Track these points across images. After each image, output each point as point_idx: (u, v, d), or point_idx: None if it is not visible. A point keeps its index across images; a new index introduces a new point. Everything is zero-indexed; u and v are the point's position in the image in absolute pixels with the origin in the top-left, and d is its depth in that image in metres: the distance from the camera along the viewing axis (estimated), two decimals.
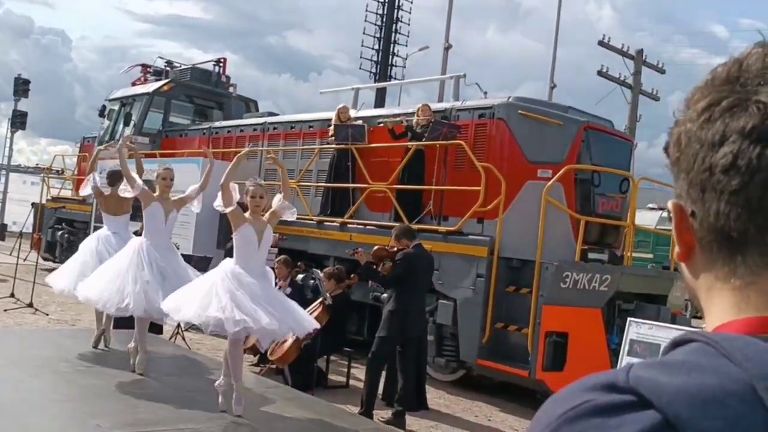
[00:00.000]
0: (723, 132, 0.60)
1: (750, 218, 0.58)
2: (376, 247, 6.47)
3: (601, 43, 20.28)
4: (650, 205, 23.36)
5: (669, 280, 8.12)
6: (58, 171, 18.10)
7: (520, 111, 7.77)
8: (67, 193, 16.43)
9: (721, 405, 0.49)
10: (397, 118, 8.86)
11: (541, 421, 0.56)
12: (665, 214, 21.13)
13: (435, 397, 7.04)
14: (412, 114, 8.73)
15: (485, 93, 10.25)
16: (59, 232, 15.02)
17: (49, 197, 16.23)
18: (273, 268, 7.97)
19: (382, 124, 9.07)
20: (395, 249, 6.35)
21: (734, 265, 0.61)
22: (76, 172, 16.42)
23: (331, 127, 9.41)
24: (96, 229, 12.11)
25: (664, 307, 7.68)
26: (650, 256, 17.97)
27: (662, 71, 21.74)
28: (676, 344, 0.58)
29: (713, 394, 0.50)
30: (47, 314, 9.34)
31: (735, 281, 0.61)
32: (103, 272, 5.93)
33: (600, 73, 20.50)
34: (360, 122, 9.35)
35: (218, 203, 5.39)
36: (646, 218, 19.07)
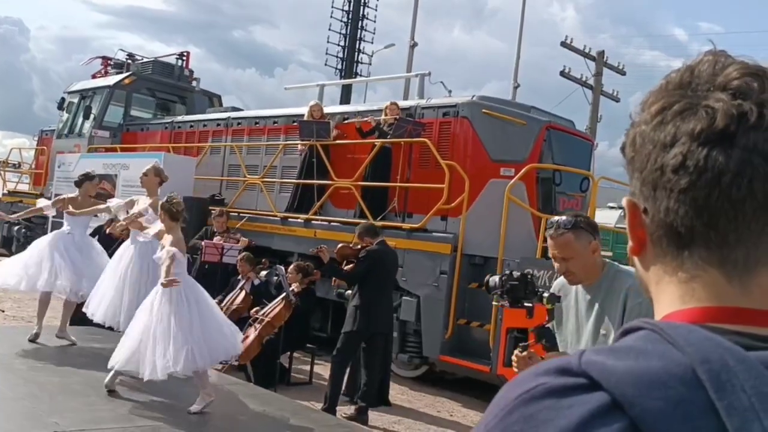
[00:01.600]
0: (674, 134, 0.63)
1: (696, 215, 0.62)
2: (340, 245, 6.47)
3: (563, 44, 20.58)
4: (610, 204, 23.79)
5: None
6: (14, 164, 17.67)
7: (483, 110, 7.84)
8: (24, 187, 16.04)
9: (664, 386, 0.53)
10: (366, 117, 8.86)
11: (498, 404, 0.59)
12: (623, 212, 21.56)
13: (398, 393, 7.08)
14: (380, 112, 8.75)
15: (450, 91, 10.36)
16: (16, 227, 14.67)
17: (5, 191, 15.82)
18: (236, 266, 7.94)
19: (350, 122, 9.05)
20: (359, 247, 6.37)
21: (681, 259, 0.64)
22: (33, 166, 16.04)
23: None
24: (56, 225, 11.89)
25: None
26: (610, 254, 18.29)
27: (623, 73, 22.15)
28: (625, 332, 0.61)
29: (657, 376, 0.53)
30: (2, 311, 9.11)
31: (681, 274, 0.64)
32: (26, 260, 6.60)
33: (562, 73, 20.80)
34: (326, 119, 9.32)
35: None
36: (606, 217, 19.42)
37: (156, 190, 6.28)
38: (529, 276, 2.67)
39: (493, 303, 2.82)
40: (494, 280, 2.70)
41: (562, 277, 2.72)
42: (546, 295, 2.63)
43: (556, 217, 2.66)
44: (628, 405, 0.53)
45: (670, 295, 0.65)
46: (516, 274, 2.66)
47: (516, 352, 2.54)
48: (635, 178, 0.67)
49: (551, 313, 2.60)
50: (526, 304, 2.62)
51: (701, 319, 0.61)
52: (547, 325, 2.59)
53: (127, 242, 6.14)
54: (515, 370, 2.54)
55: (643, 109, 0.67)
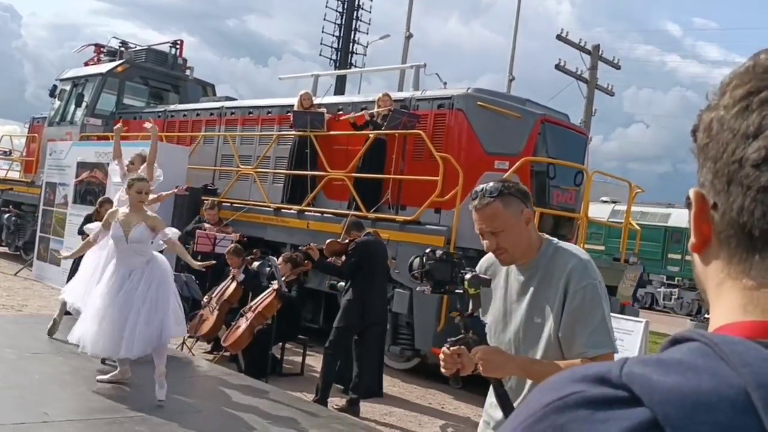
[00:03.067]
0: (759, 124, 0.56)
1: None
2: (328, 241, 6.45)
3: (559, 38, 20.54)
4: (603, 198, 23.90)
5: (619, 272, 8.31)
6: (5, 152, 17.53)
7: (479, 102, 7.81)
8: (15, 174, 15.91)
9: (712, 409, 0.48)
10: (359, 112, 8.81)
11: (527, 410, 0.54)
12: (617, 207, 21.64)
13: (390, 385, 7.08)
14: (373, 103, 8.71)
15: (445, 83, 10.29)
16: (6, 215, 14.57)
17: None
18: (225, 257, 7.90)
19: (344, 118, 9.00)
20: (347, 241, 6.36)
21: (749, 264, 0.58)
22: (24, 154, 15.91)
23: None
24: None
25: (613, 298, 7.85)
26: (602, 248, 18.39)
27: (618, 67, 22.14)
28: (674, 341, 0.56)
29: (706, 397, 0.48)
30: None
31: (747, 281, 0.58)
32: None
33: (558, 67, 20.77)
34: (321, 110, 9.27)
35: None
36: (599, 211, 19.51)
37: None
38: (454, 257, 2.22)
39: (417, 288, 2.33)
40: (416, 261, 2.23)
41: (490, 254, 2.28)
42: (468, 277, 2.12)
43: (480, 186, 2.20)
44: (670, 426, 0.47)
45: (730, 303, 0.59)
46: (439, 253, 2.19)
47: (443, 349, 2.12)
48: (706, 168, 0.60)
49: (476, 298, 2.13)
50: (452, 291, 2.15)
51: (763, 335, 0.55)
52: (475, 314, 2.15)
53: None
54: (442, 370, 2.15)
55: (724, 91, 0.60)
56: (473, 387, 7.21)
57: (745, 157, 0.56)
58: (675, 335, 0.56)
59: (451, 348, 2.10)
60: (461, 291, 2.14)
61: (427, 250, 2.22)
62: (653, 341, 8.38)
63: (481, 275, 2.20)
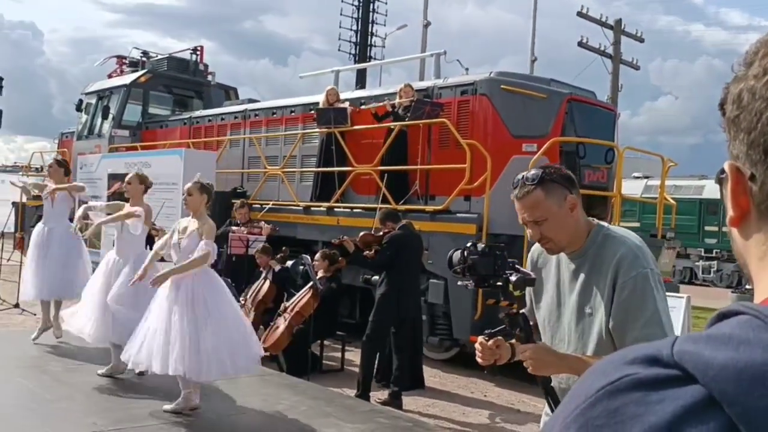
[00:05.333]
0: None
1: None
2: (362, 233, 6.43)
3: (579, 14, 20.21)
4: (635, 174, 23.50)
5: (657, 248, 8.15)
6: (37, 168, 17.84)
7: (502, 86, 7.72)
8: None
9: None
10: (381, 102, 8.78)
11: (578, 396, 0.53)
12: (650, 182, 21.27)
13: (430, 376, 7.06)
14: (395, 94, 8.66)
15: (467, 69, 10.21)
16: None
17: (31, 195, 15.99)
18: (254, 257, 7.95)
19: (365, 108, 8.97)
20: (381, 233, 6.33)
21: None
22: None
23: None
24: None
25: None
26: (637, 224, 18.07)
27: (641, 40, 21.72)
28: (722, 316, 0.55)
29: (761, 371, 0.47)
30: (35, 314, 9.22)
31: None
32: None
33: (580, 44, 20.45)
34: (343, 105, 9.26)
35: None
36: (632, 187, 19.18)
37: (141, 197, 5.98)
38: (498, 250, 2.12)
39: (458, 283, 2.25)
40: (456, 255, 2.16)
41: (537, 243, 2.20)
42: (513, 278, 2.06)
43: (522, 173, 2.11)
44: (728, 403, 0.47)
45: None
46: (481, 246, 2.10)
47: (480, 339, 2.09)
48: (739, 140, 0.59)
49: (522, 299, 2.13)
50: (496, 284, 2.09)
51: None
52: (521, 311, 2.12)
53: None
54: (479, 360, 2.11)
55: (752, 61, 0.59)
56: (514, 373, 7.16)
57: None
58: (722, 309, 0.55)
59: (490, 339, 2.05)
60: (502, 284, 2.07)
61: (468, 244, 2.14)
62: (696, 316, 8.21)
63: (526, 276, 2.11)
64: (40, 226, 7.15)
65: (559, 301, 2.16)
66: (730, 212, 0.62)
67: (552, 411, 2.08)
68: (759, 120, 0.57)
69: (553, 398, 2.08)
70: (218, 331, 4.74)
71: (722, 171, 0.62)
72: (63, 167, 7.23)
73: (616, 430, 0.49)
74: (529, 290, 2.24)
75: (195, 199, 4.97)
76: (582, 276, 2.08)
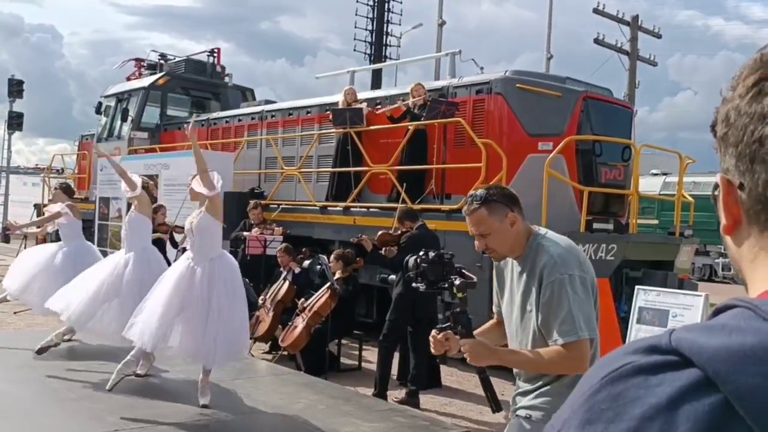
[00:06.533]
0: None
1: None
2: (380, 232, 6.47)
3: (596, 11, 20.08)
4: (653, 171, 23.31)
5: (675, 246, 8.11)
6: (58, 170, 18.08)
7: (518, 85, 7.72)
8: None
9: (760, 361, 0.51)
10: (395, 104, 8.81)
11: (584, 384, 0.58)
12: (668, 179, 21.09)
13: (447, 375, 7.08)
14: (409, 94, 8.69)
15: (482, 68, 10.21)
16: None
17: (51, 197, 16.22)
18: (278, 257, 8.02)
19: (381, 112, 9.01)
20: (399, 232, 6.36)
21: None
22: (76, 171, 16.40)
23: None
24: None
25: (671, 273, 7.67)
26: (655, 222, 17.94)
27: (659, 36, 21.55)
28: (718, 311, 0.59)
29: (752, 351, 0.52)
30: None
31: None
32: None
33: (596, 41, 20.33)
34: (359, 105, 9.31)
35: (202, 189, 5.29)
36: (650, 184, 19.04)
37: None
38: (446, 257, 2.48)
39: (412, 285, 2.59)
40: (411, 261, 2.53)
41: None
42: (457, 282, 2.43)
43: (471, 192, 2.45)
44: (721, 381, 0.51)
45: (766, 273, 0.63)
46: (431, 254, 2.46)
47: (433, 332, 2.40)
48: (729, 155, 0.65)
49: (464, 300, 2.41)
50: (443, 288, 2.45)
51: None
52: (464, 311, 2.41)
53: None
54: (432, 350, 2.42)
55: (736, 84, 0.66)
56: None
57: (765, 135, 0.61)
58: (718, 305, 0.60)
59: (439, 334, 2.36)
60: (450, 288, 2.44)
61: (421, 253, 2.49)
62: None
63: (468, 281, 2.47)
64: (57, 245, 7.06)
65: (512, 299, 2.46)
66: (723, 221, 0.67)
67: (486, 394, 2.43)
68: (744, 133, 0.63)
69: (486, 385, 2.44)
70: (227, 319, 4.93)
71: (716, 186, 0.67)
72: (67, 194, 7.19)
73: (619, 412, 0.53)
74: (496, 288, 2.58)
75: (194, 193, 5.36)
76: (524, 277, 2.39)
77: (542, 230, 2.45)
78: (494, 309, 2.64)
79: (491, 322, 2.68)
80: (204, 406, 4.91)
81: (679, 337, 0.55)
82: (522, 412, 2.38)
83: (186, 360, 5.39)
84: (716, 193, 0.68)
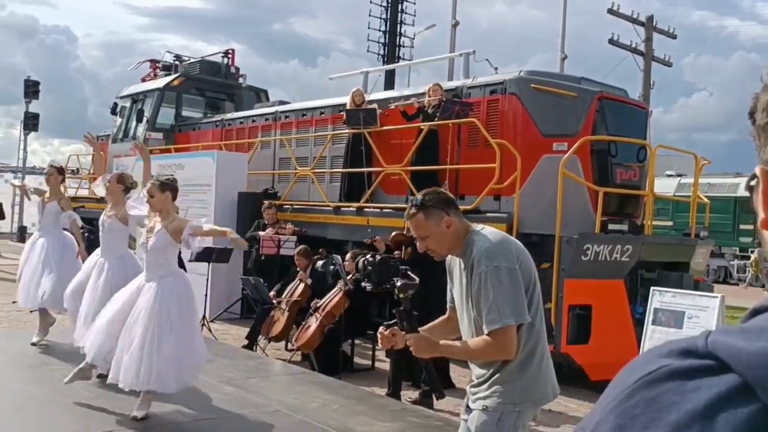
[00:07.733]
0: None
1: None
2: (394, 233, 6.46)
3: (610, 11, 19.98)
4: (668, 172, 23.15)
5: (690, 247, 8.05)
6: (73, 171, 18.21)
7: (532, 85, 7.69)
8: (85, 192, 16.55)
9: None
10: (409, 100, 8.81)
11: (616, 387, 0.55)
12: (683, 180, 20.93)
13: (461, 376, 7.06)
14: (424, 94, 8.69)
15: (496, 68, 10.17)
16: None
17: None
18: (292, 257, 8.04)
19: (394, 106, 9.02)
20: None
21: None
22: (91, 171, 16.52)
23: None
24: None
25: (686, 274, 7.62)
26: (670, 223, 17.82)
27: (673, 36, 21.40)
28: (755, 312, 0.56)
29: None
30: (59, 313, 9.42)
31: None
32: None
33: (611, 41, 20.22)
34: (372, 105, 9.32)
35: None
36: (665, 185, 18.93)
37: (122, 198, 5.95)
38: (391, 261, 2.70)
39: (361, 284, 2.91)
40: (360, 263, 2.83)
41: None
42: (398, 284, 2.65)
43: (412, 197, 2.67)
44: (762, 388, 0.48)
45: None
46: (377, 258, 2.74)
47: (380, 329, 2.60)
48: None
49: (406, 300, 2.61)
50: (389, 288, 2.71)
51: None
52: (407, 309, 2.61)
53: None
54: (379, 345, 2.60)
55: None
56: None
57: None
58: (755, 306, 0.57)
59: (386, 330, 2.58)
60: (393, 289, 2.65)
61: (368, 255, 2.72)
62: (730, 316, 8.07)
63: (409, 282, 2.76)
64: (36, 235, 7.27)
65: (460, 293, 2.63)
66: (761, 215, 0.63)
67: (431, 383, 2.65)
68: None
69: (429, 373, 2.70)
70: (178, 341, 4.57)
71: (753, 177, 0.64)
72: (62, 175, 7.30)
73: (653, 418, 0.50)
74: (450, 285, 2.74)
75: (158, 199, 4.74)
76: (465, 273, 2.57)
77: (478, 227, 2.61)
78: (448, 304, 2.77)
79: (442, 317, 2.84)
80: (134, 419, 4.54)
81: (716, 340, 0.52)
82: (478, 404, 2.56)
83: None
84: (752, 183, 0.64)
